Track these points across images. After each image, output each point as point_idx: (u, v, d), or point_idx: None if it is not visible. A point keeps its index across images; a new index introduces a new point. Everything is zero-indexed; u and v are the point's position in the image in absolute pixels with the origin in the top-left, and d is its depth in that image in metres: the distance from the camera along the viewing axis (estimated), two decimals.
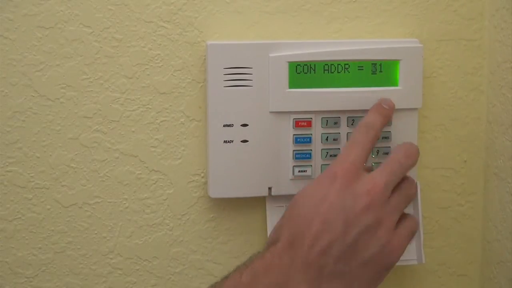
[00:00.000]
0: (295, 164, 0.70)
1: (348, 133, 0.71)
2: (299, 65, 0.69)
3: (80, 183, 0.71)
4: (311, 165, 0.71)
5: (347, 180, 0.60)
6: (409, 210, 0.74)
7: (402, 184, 0.63)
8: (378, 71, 0.70)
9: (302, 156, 0.70)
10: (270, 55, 0.69)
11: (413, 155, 0.64)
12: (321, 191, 0.60)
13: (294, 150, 0.70)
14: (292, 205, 0.62)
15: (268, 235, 0.68)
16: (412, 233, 0.63)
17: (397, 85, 0.71)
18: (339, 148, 0.71)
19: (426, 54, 0.73)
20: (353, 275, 0.60)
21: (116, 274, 0.73)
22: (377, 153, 0.71)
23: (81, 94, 0.69)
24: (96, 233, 0.72)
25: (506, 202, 0.72)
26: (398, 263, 0.73)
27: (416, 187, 0.65)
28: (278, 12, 0.71)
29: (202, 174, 0.72)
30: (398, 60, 0.70)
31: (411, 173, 0.72)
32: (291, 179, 0.70)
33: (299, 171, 0.70)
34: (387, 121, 0.68)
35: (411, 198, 0.64)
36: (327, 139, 0.70)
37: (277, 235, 0.61)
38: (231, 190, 0.70)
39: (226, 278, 0.61)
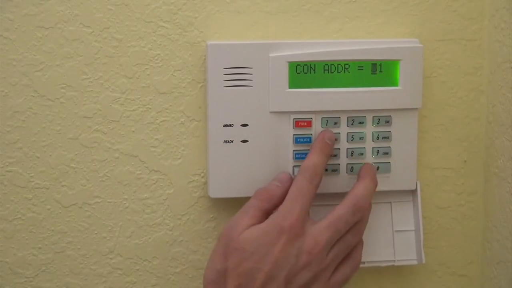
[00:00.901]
0: (295, 164, 0.70)
1: (348, 133, 0.71)
2: (299, 65, 0.69)
3: (80, 183, 0.71)
4: None
5: (292, 236, 0.63)
6: (409, 210, 0.74)
7: (346, 234, 0.66)
8: (378, 71, 0.70)
9: (302, 156, 0.70)
10: (270, 55, 0.69)
11: (362, 210, 0.66)
12: (266, 245, 0.63)
13: (294, 150, 0.70)
14: (237, 250, 0.63)
15: None
16: (350, 277, 0.67)
17: (397, 85, 0.71)
18: (339, 148, 0.71)
19: (426, 54, 0.73)
20: None
21: (116, 274, 0.73)
22: (377, 153, 0.71)
23: (81, 94, 0.69)
24: (96, 233, 0.72)
25: (506, 202, 0.72)
26: (398, 263, 0.74)
27: (360, 235, 0.67)
28: (278, 12, 0.71)
29: (202, 174, 0.72)
30: (398, 60, 0.70)
31: (411, 173, 0.73)
32: None
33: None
34: (329, 158, 0.69)
35: (353, 244, 0.67)
36: None
37: (222, 284, 0.63)
38: (231, 190, 0.70)
39: None
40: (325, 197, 0.72)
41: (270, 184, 0.68)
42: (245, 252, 0.63)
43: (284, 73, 0.69)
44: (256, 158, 0.70)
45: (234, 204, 0.72)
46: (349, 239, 0.66)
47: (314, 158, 0.67)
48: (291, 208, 0.64)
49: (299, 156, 0.70)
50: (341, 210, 0.65)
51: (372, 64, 0.70)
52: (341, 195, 0.72)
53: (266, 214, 0.65)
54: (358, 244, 0.67)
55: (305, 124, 0.70)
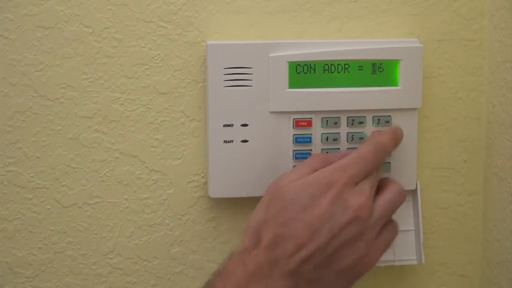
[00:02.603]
0: (295, 164, 0.70)
1: (348, 133, 0.71)
2: (299, 65, 0.69)
3: (80, 183, 0.71)
4: None
5: (341, 192, 0.61)
6: (409, 210, 0.74)
7: (391, 192, 0.64)
8: (378, 71, 0.70)
9: (302, 156, 0.70)
10: (270, 55, 0.69)
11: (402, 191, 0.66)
12: (311, 196, 0.61)
13: (294, 150, 0.70)
14: (276, 200, 0.62)
15: None
16: (391, 242, 0.64)
17: (397, 85, 0.71)
18: (339, 148, 0.71)
19: (426, 54, 0.73)
20: (327, 282, 0.61)
21: (116, 274, 0.73)
22: None
23: (81, 94, 0.69)
24: (96, 233, 0.72)
25: (506, 202, 0.72)
26: (398, 263, 0.74)
27: (405, 195, 0.66)
28: (278, 12, 0.71)
29: (202, 174, 0.72)
30: (398, 60, 0.70)
31: (411, 173, 0.73)
32: None
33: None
34: (393, 150, 0.68)
35: (399, 205, 0.65)
36: (327, 139, 0.70)
37: (259, 234, 0.61)
38: (231, 190, 0.70)
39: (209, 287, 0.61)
40: None
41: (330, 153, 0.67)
42: (286, 201, 0.61)
43: (284, 73, 0.69)
44: (256, 158, 0.70)
45: (234, 204, 0.72)
46: (396, 197, 0.64)
47: (385, 138, 0.66)
48: (347, 167, 0.62)
49: (299, 156, 0.70)
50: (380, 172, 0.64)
51: (372, 64, 0.70)
52: None
53: None
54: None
55: (305, 124, 0.70)
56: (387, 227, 0.64)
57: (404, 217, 0.74)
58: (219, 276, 0.61)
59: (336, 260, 0.61)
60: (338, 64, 0.70)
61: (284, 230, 0.60)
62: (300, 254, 0.60)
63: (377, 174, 0.65)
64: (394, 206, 0.64)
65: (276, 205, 0.61)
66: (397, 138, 0.67)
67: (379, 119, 0.71)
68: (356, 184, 0.62)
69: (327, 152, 0.70)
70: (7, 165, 0.70)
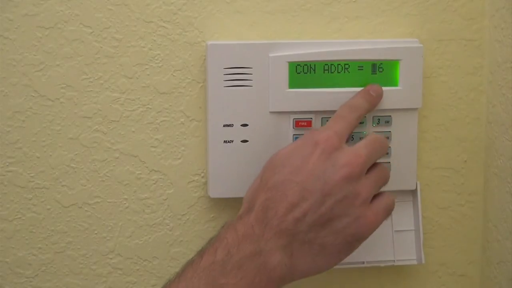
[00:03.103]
0: None
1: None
2: (299, 65, 0.69)
3: (80, 183, 0.71)
4: None
5: (328, 149, 0.61)
6: (409, 210, 0.74)
7: (376, 167, 0.64)
8: (378, 71, 0.70)
9: None
10: (270, 55, 0.69)
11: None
12: (300, 157, 0.61)
13: None
14: (268, 168, 0.62)
15: None
16: (388, 210, 0.63)
17: (397, 85, 0.71)
18: None
19: (426, 54, 0.73)
20: (324, 243, 0.60)
21: (116, 274, 0.73)
22: None
23: (81, 94, 0.69)
24: (96, 233, 0.72)
25: (506, 202, 0.72)
26: (398, 263, 0.74)
27: (388, 173, 0.65)
28: (278, 12, 0.71)
29: (202, 174, 0.72)
30: (398, 60, 0.70)
31: (411, 173, 0.73)
32: None
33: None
34: (372, 109, 0.68)
35: (385, 180, 0.65)
36: None
37: (252, 202, 0.61)
38: (231, 190, 0.70)
39: (201, 253, 0.60)
40: None
41: None
42: (277, 166, 0.61)
43: (284, 73, 0.69)
44: (256, 158, 0.70)
45: (234, 204, 0.72)
46: (381, 171, 0.64)
47: (355, 99, 0.67)
48: (328, 126, 0.63)
49: None
50: (374, 135, 0.65)
51: (372, 64, 0.70)
52: None
53: None
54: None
55: (305, 124, 0.70)
56: (384, 195, 0.64)
57: (404, 217, 0.74)
58: (211, 242, 0.61)
59: (331, 219, 0.60)
60: (338, 64, 0.70)
61: (275, 193, 0.60)
62: (293, 214, 0.59)
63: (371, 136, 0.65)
64: (383, 178, 0.64)
65: (268, 172, 0.61)
66: (371, 95, 0.67)
67: (379, 119, 0.71)
68: (350, 142, 0.63)
69: None
70: (7, 165, 0.70)
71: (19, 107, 0.69)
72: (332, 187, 0.60)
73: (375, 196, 0.63)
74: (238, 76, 0.69)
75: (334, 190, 0.60)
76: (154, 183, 0.72)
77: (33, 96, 0.69)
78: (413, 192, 0.74)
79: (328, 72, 0.70)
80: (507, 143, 0.71)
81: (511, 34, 0.70)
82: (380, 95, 0.68)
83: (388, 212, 0.63)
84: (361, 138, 0.70)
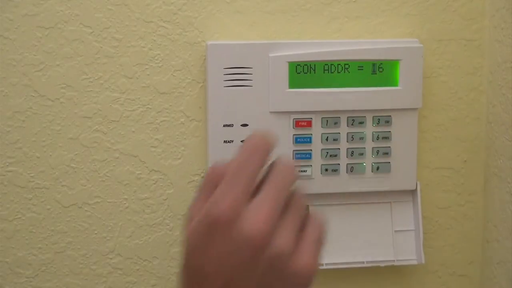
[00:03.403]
0: (295, 164, 0.70)
1: (348, 133, 0.71)
2: (299, 65, 0.69)
3: (80, 183, 0.71)
4: (311, 165, 0.71)
5: (225, 227, 0.50)
6: (409, 210, 0.74)
7: (290, 200, 0.53)
8: (378, 71, 0.70)
9: (302, 156, 0.70)
10: (270, 55, 0.69)
11: (291, 170, 0.52)
12: (205, 238, 0.50)
13: (294, 150, 0.70)
14: (184, 241, 0.52)
15: None
16: (319, 240, 0.53)
17: (397, 85, 0.71)
18: (339, 148, 0.71)
19: (426, 54, 0.73)
20: None
21: (116, 274, 0.73)
22: (377, 153, 0.71)
23: (81, 94, 0.69)
24: (96, 233, 0.72)
25: (506, 202, 0.72)
26: (398, 263, 0.74)
27: (305, 203, 0.53)
28: (278, 12, 0.71)
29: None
30: (398, 60, 0.70)
31: (411, 173, 0.73)
32: None
33: (299, 171, 0.70)
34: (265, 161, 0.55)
35: (302, 208, 0.53)
36: (327, 139, 0.70)
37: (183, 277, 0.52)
38: None
39: None
40: (325, 197, 0.72)
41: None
42: (188, 246, 0.51)
43: (284, 73, 0.69)
44: None
45: None
46: (296, 204, 0.53)
47: (256, 138, 0.54)
48: (225, 192, 0.51)
49: (299, 156, 0.70)
50: (272, 181, 0.52)
51: (372, 64, 0.70)
52: (341, 195, 0.72)
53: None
54: (307, 215, 0.53)
55: (305, 124, 0.70)
56: (307, 226, 0.53)
57: (404, 217, 0.74)
58: None
59: None
60: (338, 64, 0.70)
61: (198, 279, 0.51)
62: None
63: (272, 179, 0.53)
64: (299, 209, 0.53)
65: (184, 248, 0.52)
66: (265, 139, 0.54)
67: (379, 119, 0.71)
68: (250, 200, 0.51)
69: (327, 152, 0.70)
70: (7, 165, 0.70)
71: (19, 107, 0.69)
72: (247, 271, 0.50)
73: (298, 248, 0.51)
74: (238, 76, 0.69)
75: (250, 275, 0.50)
76: (154, 183, 0.72)
77: (33, 96, 0.69)
78: (413, 192, 0.74)
79: (328, 72, 0.70)
80: (507, 143, 0.71)
81: (511, 34, 0.70)
82: (272, 146, 0.54)
83: (320, 242, 0.53)
84: (361, 138, 0.71)
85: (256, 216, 0.50)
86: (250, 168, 0.53)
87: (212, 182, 0.54)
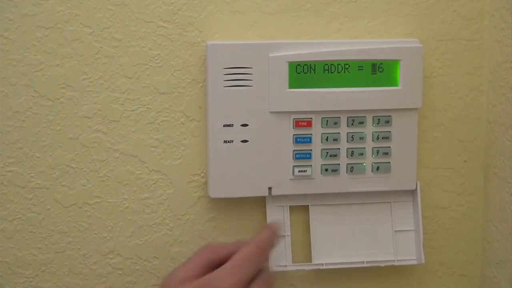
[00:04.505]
0: (295, 164, 0.70)
1: (348, 133, 0.71)
2: (299, 65, 0.69)
3: (80, 183, 0.71)
4: (311, 165, 0.71)
5: None
6: (409, 210, 0.74)
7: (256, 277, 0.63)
8: (378, 71, 0.70)
9: (302, 156, 0.70)
10: (270, 55, 0.69)
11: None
12: None
13: (294, 150, 0.70)
14: None
15: None
16: None
17: (397, 85, 0.71)
18: (339, 148, 0.71)
19: (426, 54, 0.73)
20: None
21: (116, 274, 0.73)
22: (377, 153, 0.71)
23: (81, 94, 0.69)
24: (96, 233, 0.72)
25: (506, 202, 0.72)
26: (398, 263, 0.74)
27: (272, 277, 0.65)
28: (278, 12, 0.71)
29: (202, 174, 0.72)
30: (398, 60, 0.70)
31: (411, 173, 0.73)
32: (291, 179, 0.71)
33: (299, 171, 0.70)
34: (275, 243, 0.67)
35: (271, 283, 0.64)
36: (327, 139, 0.70)
37: None
38: (231, 190, 0.70)
39: None
40: (325, 197, 0.72)
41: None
42: None
43: (284, 73, 0.69)
44: (256, 158, 0.70)
45: (234, 204, 0.72)
46: (262, 279, 0.63)
47: (264, 236, 0.65)
48: (231, 271, 0.60)
49: (299, 156, 0.70)
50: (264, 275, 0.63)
51: (372, 64, 0.70)
52: (341, 195, 0.72)
53: (208, 267, 0.62)
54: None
55: (305, 124, 0.70)
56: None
57: (404, 217, 0.74)
58: None
59: None
60: (338, 64, 0.70)
61: None
62: None
63: (264, 274, 0.64)
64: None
65: None
66: (275, 232, 0.67)
67: (379, 119, 0.71)
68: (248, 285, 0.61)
69: (327, 152, 0.70)
70: (7, 165, 0.70)
71: (19, 107, 0.69)
72: None
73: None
74: (238, 76, 0.69)
75: None
76: (154, 183, 0.72)
77: (33, 96, 0.69)
78: (413, 192, 0.74)
79: (328, 72, 0.70)
80: (507, 143, 0.71)
81: (511, 34, 0.70)
82: (278, 232, 0.68)
83: None
84: (361, 138, 0.71)
85: None
86: (257, 261, 0.62)
87: (207, 254, 0.63)
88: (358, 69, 0.70)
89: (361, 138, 0.71)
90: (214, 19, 0.70)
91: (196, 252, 0.64)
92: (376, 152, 0.71)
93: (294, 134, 0.70)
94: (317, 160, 0.71)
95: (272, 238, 0.66)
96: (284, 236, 0.72)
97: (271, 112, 0.69)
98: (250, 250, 0.63)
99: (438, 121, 0.75)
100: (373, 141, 0.71)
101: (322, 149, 0.71)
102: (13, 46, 0.68)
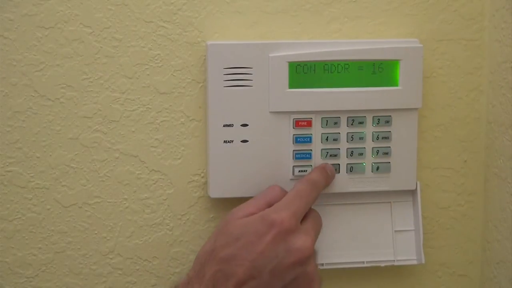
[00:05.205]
0: (295, 164, 0.70)
1: (348, 133, 0.71)
2: (299, 65, 0.69)
3: (80, 183, 0.71)
4: (311, 165, 0.71)
5: (283, 231, 0.61)
6: (409, 210, 0.74)
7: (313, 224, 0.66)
8: (378, 71, 0.70)
9: (302, 156, 0.70)
10: (270, 55, 0.69)
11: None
12: (255, 235, 0.61)
13: (294, 150, 0.70)
14: (222, 234, 0.63)
15: None
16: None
17: (397, 85, 0.71)
18: (339, 148, 0.71)
19: (426, 54, 0.73)
20: None
21: (116, 274, 0.73)
22: (377, 153, 0.71)
23: (81, 94, 0.69)
24: (96, 233, 0.72)
25: (506, 202, 0.72)
26: (398, 263, 0.74)
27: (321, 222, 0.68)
28: (278, 12, 0.71)
29: (202, 174, 0.72)
30: (398, 60, 0.70)
31: (411, 173, 0.73)
32: (291, 179, 0.70)
33: (299, 171, 0.70)
34: (327, 186, 0.69)
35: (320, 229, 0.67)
36: (327, 139, 0.70)
37: (202, 268, 0.62)
38: (231, 190, 0.70)
39: None
40: (325, 197, 0.72)
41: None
42: (231, 236, 0.62)
43: (284, 73, 0.69)
44: (256, 158, 0.70)
45: (234, 204, 0.72)
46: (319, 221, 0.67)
47: (315, 175, 0.68)
48: (286, 205, 0.63)
49: (299, 156, 0.70)
50: (316, 212, 0.66)
51: (372, 64, 0.70)
52: (341, 195, 0.72)
53: (271, 204, 0.65)
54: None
55: (305, 124, 0.70)
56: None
57: (404, 217, 0.74)
58: None
59: None
60: (338, 64, 0.70)
61: (226, 266, 0.61)
62: None
63: (316, 213, 0.67)
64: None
65: (222, 239, 0.62)
66: (327, 173, 0.69)
67: (379, 119, 0.71)
68: (300, 222, 0.63)
69: (327, 152, 0.70)
70: (7, 165, 0.70)
71: (19, 107, 0.69)
72: (282, 270, 0.61)
73: None
74: (238, 76, 0.69)
75: (284, 275, 0.61)
76: (154, 183, 0.72)
77: (33, 96, 0.69)
78: (413, 192, 0.74)
79: (328, 72, 0.70)
80: (507, 143, 0.71)
81: (511, 34, 0.70)
82: (333, 175, 0.71)
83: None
84: (361, 138, 0.71)
85: (307, 237, 0.62)
86: (309, 197, 0.65)
87: (272, 192, 0.66)
88: (358, 69, 0.70)
89: (361, 138, 0.71)
90: (214, 19, 0.70)
91: (262, 193, 0.67)
92: (376, 152, 0.71)
93: (294, 134, 0.70)
94: (317, 160, 0.71)
95: (322, 175, 0.68)
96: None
97: (271, 112, 0.69)
98: (302, 187, 0.66)
99: (438, 121, 0.75)
100: (373, 141, 0.71)
101: (322, 149, 0.71)
102: (13, 46, 0.68)
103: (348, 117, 0.70)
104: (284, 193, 0.66)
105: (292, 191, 0.65)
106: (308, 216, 0.65)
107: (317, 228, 0.65)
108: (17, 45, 0.68)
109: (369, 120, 0.71)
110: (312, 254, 0.62)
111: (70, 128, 0.70)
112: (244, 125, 0.69)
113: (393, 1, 0.72)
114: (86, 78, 0.69)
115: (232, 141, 0.70)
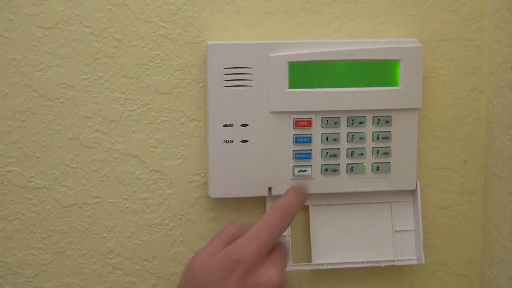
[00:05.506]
0: (295, 164, 0.70)
1: (348, 133, 0.71)
2: (299, 65, 0.69)
3: (80, 183, 0.71)
4: (311, 165, 0.71)
5: (249, 269, 0.59)
6: (409, 210, 0.74)
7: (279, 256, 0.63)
8: (378, 71, 0.70)
9: (302, 156, 0.70)
10: (270, 55, 0.69)
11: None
12: (222, 276, 0.59)
13: (294, 150, 0.70)
14: (191, 281, 0.61)
15: None
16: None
17: (397, 85, 0.71)
18: (339, 148, 0.71)
19: (426, 54, 0.73)
20: None
21: (116, 274, 0.73)
22: (377, 153, 0.71)
23: (81, 94, 0.69)
24: (96, 233, 0.72)
25: (506, 202, 0.72)
26: (398, 263, 0.74)
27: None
28: (278, 12, 0.71)
29: (202, 174, 0.72)
30: (398, 60, 0.70)
31: (411, 173, 0.73)
32: (291, 179, 0.71)
33: (299, 171, 0.70)
34: (300, 210, 0.66)
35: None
36: (327, 139, 0.70)
37: None
38: (231, 190, 0.70)
39: None
40: (325, 197, 0.72)
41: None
42: (198, 283, 0.60)
43: (284, 73, 0.69)
44: (256, 158, 0.70)
45: (234, 204, 0.72)
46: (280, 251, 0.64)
47: (290, 200, 0.64)
48: (251, 240, 0.60)
49: (299, 156, 0.70)
50: (283, 249, 0.63)
51: (372, 64, 0.70)
52: (341, 195, 0.72)
53: (232, 242, 0.62)
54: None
55: (305, 124, 0.70)
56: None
57: (404, 217, 0.74)
58: None
59: None
60: (338, 64, 0.70)
61: None
62: None
63: (282, 244, 0.64)
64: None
65: (189, 286, 0.61)
66: (301, 195, 0.66)
67: (379, 119, 0.71)
68: (268, 255, 0.61)
69: (327, 152, 0.70)
70: (7, 165, 0.70)
71: (19, 107, 0.69)
72: None
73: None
74: (238, 76, 0.69)
75: None
76: (154, 183, 0.72)
77: (33, 96, 0.69)
78: (413, 192, 0.74)
79: (328, 72, 0.70)
80: (507, 143, 0.71)
81: (511, 34, 0.70)
82: (306, 197, 0.67)
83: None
84: (361, 138, 0.71)
85: (275, 268, 0.60)
86: (279, 227, 0.62)
87: (231, 229, 0.64)
88: (358, 69, 0.70)
89: (361, 138, 0.71)
90: (214, 19, 0.70)
91: (219, 233, 0.64)
92: (376, 152, 0.71)
93: (294, 134, 0.70)
94: (317, 160, 0.71)
95: (297, 199, 0.65)
96: (284, 236, 0.72)
97: (271, 112, 0.69)
98: (273, 216, 0.62)
99: (438, 121, 0.75)
100: (373, 141, 0.71)
101: (322, 149, 0.71)
102: (13, 46, 0.68)
103: (348, 117, 0.70)
104: (245, 227, 0.63)
105: (262, 221, 0.62)
106: (274, 247, 0.62)
107: (285, 259, 0.63)
108: (17, 45, 0.68)
109: (369, 120, 0.71)
110: (282, 285, 0.60)
111: (70, 128, 0.70)
112: (244, 125, 0.69)
113: (393, 1, 0.72)
114: (86, 78, 0.69)
115: (232, 141, 0.70)
